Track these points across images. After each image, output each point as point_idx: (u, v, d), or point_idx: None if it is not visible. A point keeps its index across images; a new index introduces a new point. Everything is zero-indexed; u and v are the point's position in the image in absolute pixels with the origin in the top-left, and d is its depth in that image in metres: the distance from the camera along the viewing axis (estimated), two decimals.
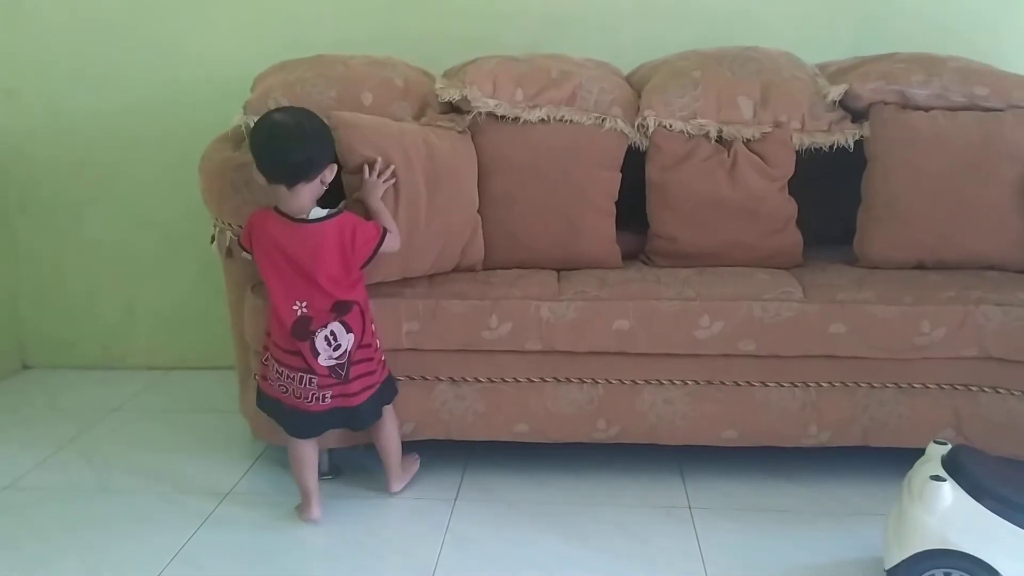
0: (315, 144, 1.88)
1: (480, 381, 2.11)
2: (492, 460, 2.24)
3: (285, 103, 2.15)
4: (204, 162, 2.17)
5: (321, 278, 1.88)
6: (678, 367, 2.09)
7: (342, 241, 1.89)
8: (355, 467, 2.23)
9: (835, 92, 2.27)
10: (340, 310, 1.91)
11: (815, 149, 2.26)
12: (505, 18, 2.71)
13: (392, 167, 2.00)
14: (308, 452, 2.01)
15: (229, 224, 2.09)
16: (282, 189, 1.87)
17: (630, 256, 2.30)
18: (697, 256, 2.23)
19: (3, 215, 2.93)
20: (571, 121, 2.22)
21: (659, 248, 2.27)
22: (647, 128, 2.24)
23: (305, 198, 1.88)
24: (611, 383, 2.10)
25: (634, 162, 2.27)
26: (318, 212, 1.90)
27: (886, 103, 2.25)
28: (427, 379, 2.12)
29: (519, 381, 2.10)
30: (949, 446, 1.74)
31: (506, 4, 2.72)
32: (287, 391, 1.95)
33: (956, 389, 2.07)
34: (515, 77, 2.25)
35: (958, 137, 2.19)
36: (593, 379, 2.10)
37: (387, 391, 2.04)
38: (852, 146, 2.26)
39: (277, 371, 1.95)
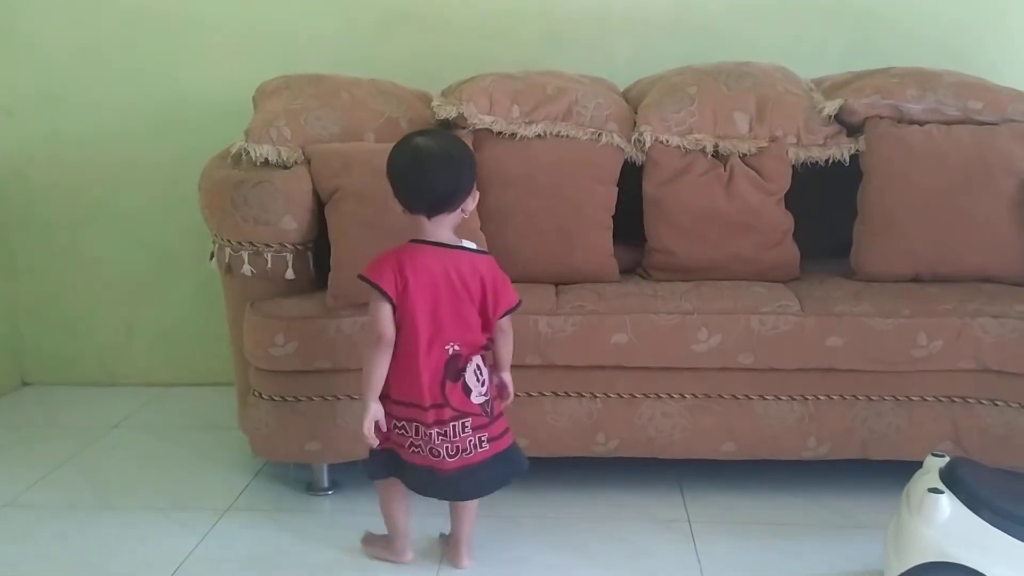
0: (461, 171, 1.75)
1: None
2: None
3: (288, 133, 2.17)
4: (203, 180, 2.19)
5: (476, 311, 1.76)
6: (676, 381, 2.09)
7: (493, 279, 1.78)
8: (355, 483, 2.23)
9: (831, 107, 2.28)
10: (479, 349, 1.81)
11: (811, 163, 2.28)
12: (500, 36, 2.73)
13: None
14: (405, 493, 1.87)
15: (229, 241, 2.10)
16: (423, 220, 1.74)
17: (627, 270, 2.31)
18: (694, 270, 2.23)
19: (3, 234, 2.94)
20: (567, 136, 2.24)
21: (656, 262, 2.28)
22: (644, 143, 2.26)
23: (447, 228, 1.76)
24: (610, 397, 2.10)
25: (631, 177, 2.29)
26: (470, 244, 1.80)
27: (881, 117, 2.27)
28: None
29: (518, 395, 2.09)
30: (947, 458, 1.74)
31: (500, 22, 2.73)
32: (458, 454, 1.77)
33: (954, 401, 2.07)
34: (511, 94, 2.27)
35: (953, 151, 2.20)
36: (592, 393, 2.10)
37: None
38: (848, 160, 2.27)
39: (412, 431, 1.77)
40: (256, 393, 2.14)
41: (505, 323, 1.83)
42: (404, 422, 1.78)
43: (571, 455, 2.15)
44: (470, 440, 1.77)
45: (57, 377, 3.01)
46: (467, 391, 1.77)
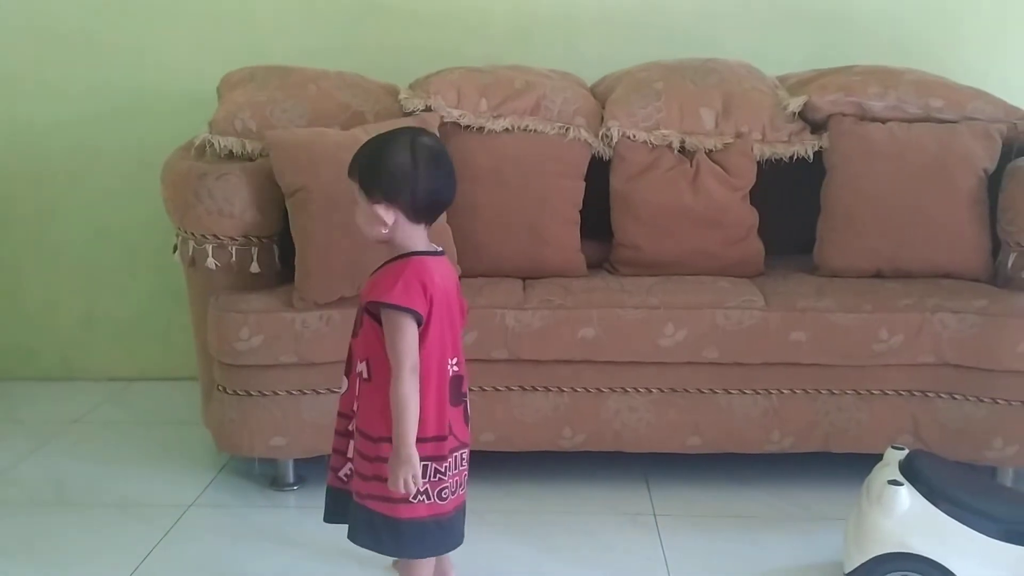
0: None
1: None
2: None
3: (253, 125, 2.14)
4: (166, 171, 2.16)
5: (460, 321, 1.60)
6: (642, 375, 2.10)
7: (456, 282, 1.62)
8: (320, 478, 2.20)
9: (795, 104, 2.31)
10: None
11: (776, 159, 2.30)
12: (468, 31, 2.72)
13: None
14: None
15: (192, 234, 2.07)
16: (418, 228, 1.54)
17: (595, 265, 2.31)
18: (661, 265, 2.25)
19: None
20: (535, 131, 2.24)
21: (623, 257, 2.29)
22: (611, 138, 2.27)
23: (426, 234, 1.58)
24: (576, 391, 2.11)
25: (598, 172, 2.30)
26: (432, 245, 1.60)
27: (844, 115, 2.29)
28: None
29: (485, 390, 2.10)
30: (906, 451, 1.77)
31: (469, 17, 2.72)
32: (455, 490, 1.58)
33: (914, 395, 2.11)
34: (479, 87, 2.27)
35: (914, 148, 2.23)
36: (559, 387, 2.11)
37: None
38: (812, 157, 2.30)
39: (436, 472, 1.54)
40: (220, 388, 2.11)
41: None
42: (431, 462, 1.54)
43: (537, 449, 2.15)
44: (464, 475, 1.61)
45: (16, 371, 2.95)
46: (467, 419, 1.61)
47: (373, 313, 1.53)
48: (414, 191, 1.51)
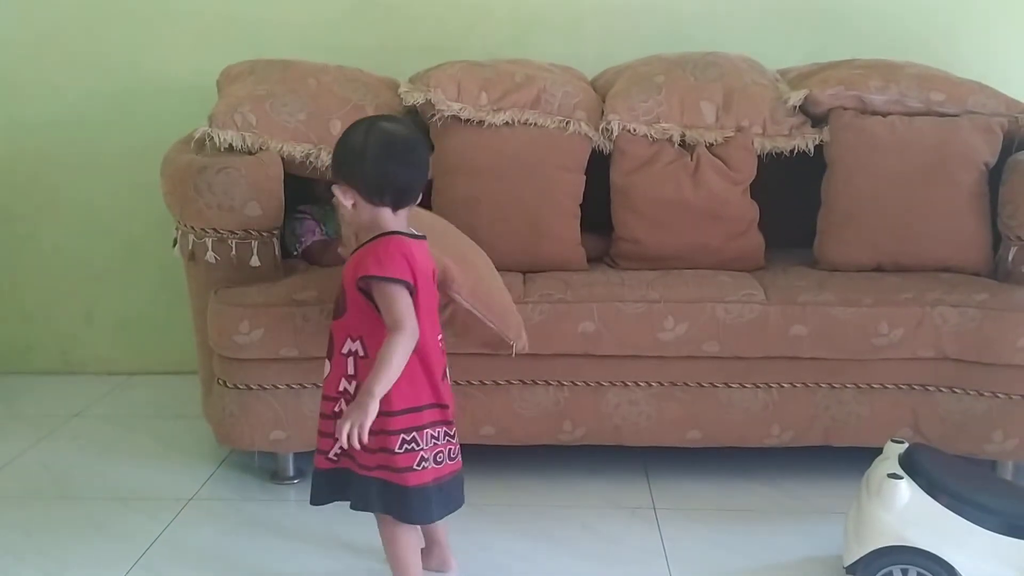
0: (429, 159, 1.65)
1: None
2: None
3: (253, 119, 2.14)
4: (166, 165, 2.15)
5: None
6: (642, 369, 2.10)
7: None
8: None
9: (796, 97, 2.30)
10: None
11: (776, 153, 2.30)
12: (468, 26, 2.72)
13: None
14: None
15: (192, 228, 2.07)
16: (386, 211, 1.57)
17: (595, 259, 2.31)
18: (661, 259, 2.25)
19: None
20: (535, 124, 2.24)
21: (623, 251, 2.29)
22: (611, 132, 2.27)
23: (405, 219, 1.61)
24: (576, 385, 2.11)
25: (599, 165, 2.29)
26: (412, 230, 1.64)
27: (845, 108, 2.29)
28: None
29: (485, 384, 2.10)
30: (906, 445, 1.77)
31: (468, 12, 2.72)
32: (442, 460, 1.62)
33: (914, 389, 2.11)
34: (479, 81, 2.26)
35: (915, 142, 2.23)
36: (559, 381, 2.11)
37: None
38: (812, 150, 2.29)
39: (432, 438, 1.60)
40: (220, 381, 2.11)
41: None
42: (416, 432, 1.58)
43: (538, 443, 2.16)
44: (453, 448, 1.66)
45: (15, 366, 2.95)
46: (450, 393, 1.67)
47: (364, 290, 1.56)
48: (364, 173, 1.55)
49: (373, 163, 1.55)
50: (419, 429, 1.58)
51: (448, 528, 1.79)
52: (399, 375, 1.52)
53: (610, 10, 2.72)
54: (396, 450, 1.57)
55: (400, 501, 1.59)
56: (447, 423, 1.63)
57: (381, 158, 1.55)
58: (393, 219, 1.58)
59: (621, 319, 2.07)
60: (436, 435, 1.61)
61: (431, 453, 1.60)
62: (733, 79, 2.33)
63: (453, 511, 1.67)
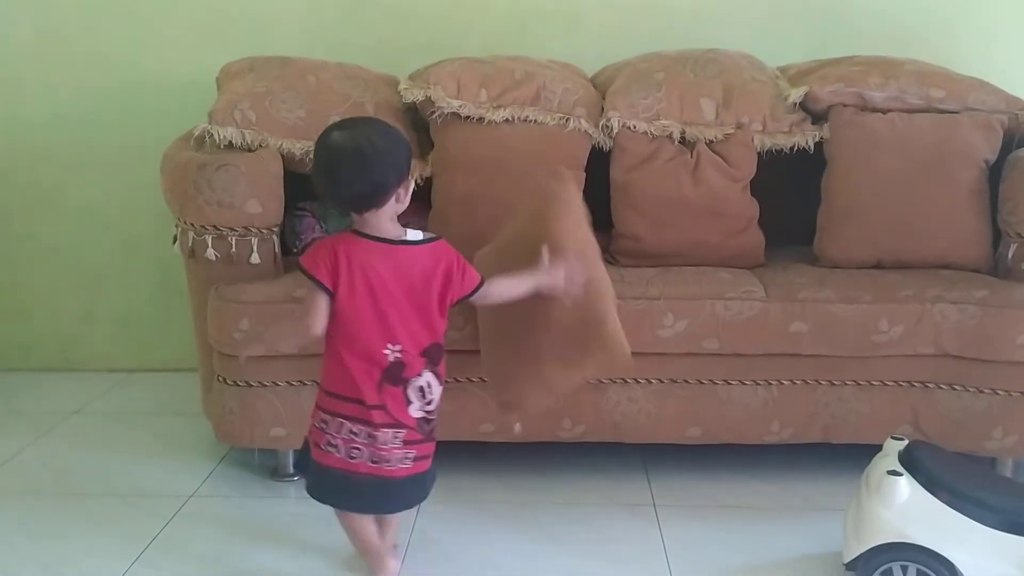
0: (378, 170, 1.60)
1: (446, 381, 2.10)
2: (458, 460, 2.23)
3: (252, 116, 2.13)
4: (165, 162, 2.15)
5: (427, 311, 1.65)
6: (642, 366, 2.08)
7: (447, 270, 1.66)
8: None
9: (795, 94, 2.30)
10: (432, 357, 1.68)
11: (776, 150, 2.29)
12: (468, 22, 2.71)
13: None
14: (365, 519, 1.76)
15: (192, 225, 2.07)
16: (354, 216, 1.65)
17: None
18: (661, 256, 2.24)
19: None
20: (535, 121, 2.24)
21: (623, 248, 2.29)
22: (611, 129, 2.26)
23: (384, 221, 1.64)
24: None
25: (598, 162, 2.29)
26: (415, 234, 1.67)
27: (845, 105, 2.29)
28: None
29: (485, 381, 2.10)
30: (906, 442, 1.77)
31: (468, 9, 2.71)
32: (357, 456, 1.67)
33: (913, 386, 2.11)
34: (479, 78, 2.26)
35: (915, 139, 2.23)
36: None
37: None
38: (812, 147, 2.29)
39: (350, 432, 1.65)
40: (220, 379, 2.11)
41: (479, 297, 1.71)
42: (331, 417, 1.67)
43: (538, 440, 2.15)
44: (396, 453, 1.66)
45: (14, 363, 2.95)
46: (407, 401, 1.67)
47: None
48: (319, 186, 1.66)
49: (318, 176, 1.65)
50: (335, 416, 1.66)
51: (395, 537, 1.83)
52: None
53: (610, 7, 2.72)
54: (313, 422, 1.70)
55: (309, 468, 1.73)
56: (373, 426, 1.64)
57: (324, 173, 1.64)
58: (359, 219, 1.64)
59: (621, 316, 2.05)
60: (355, 431, 1.66)
61: (344, 445, 1.66)
62: (733, 76, 2.33)
63: (362, 512, 1.73)
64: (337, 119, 2.18)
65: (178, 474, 2.23)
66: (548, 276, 1.72)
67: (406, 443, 1.67)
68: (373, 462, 1.66)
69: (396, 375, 1.65)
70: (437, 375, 1.71)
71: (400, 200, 1.65)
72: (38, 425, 2.52)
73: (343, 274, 1.60)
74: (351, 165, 1.59)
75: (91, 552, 1.89)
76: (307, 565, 1.86)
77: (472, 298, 1.71)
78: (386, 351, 1.63)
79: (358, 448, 1.66)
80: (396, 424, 1.66)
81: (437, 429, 1.74)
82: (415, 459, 1.69)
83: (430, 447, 1.73)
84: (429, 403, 1.70)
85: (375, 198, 1.61)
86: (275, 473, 2.20)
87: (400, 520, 1.84)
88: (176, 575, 1.82)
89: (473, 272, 1.71)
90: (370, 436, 1.65)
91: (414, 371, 1.66)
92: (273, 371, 2.07)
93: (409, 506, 1.79)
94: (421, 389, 1.67)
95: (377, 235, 1.63)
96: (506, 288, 1.73)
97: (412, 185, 1.67)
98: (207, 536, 1.96)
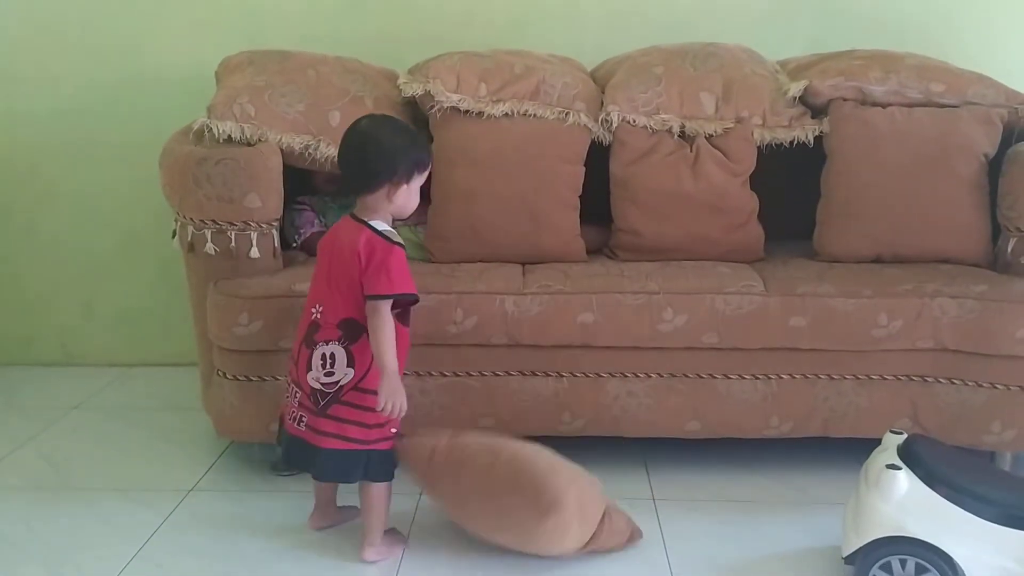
0: (372, 155, 1.74)
1: (445, 375, 2.11)
2: None
3: (251, 110, 2.13)
4: (164, 156, 2.15)
5: (350, 284, 1.74)
6: (642, 360, 2.11)
7: (362, 253, 1.73)
8: None
9: (795, 88, 2.30)
10: (349, 333, 1.76)
11: (776, 144, 2.29)
12: (467, 16, 2.71)
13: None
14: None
15: (191, 219, 2.07)
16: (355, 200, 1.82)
17: (594, 250, 2.31)
18: (660, 250, 2.25)
19: None
20: (535, 115, 2.24)
21: (623, 242, 2.29)
22: (611, 123, 2.26)
23: (368, 209, 1.78)
24: (576, 376, 2.11)
25: (598, 157, 2.29)
26: (381, 225, 1.76)
27: (845, 99, 2.29)
28: None
29: (484, 375, 2.10)
30: (905, 435, 1.77)
31: (467, 3, 2.70)
32: (292, 417, 1.84)
33: (912, 380, 2.11)
34: (479, 72, 2.26)
35: (915, 133, 2.23)
36: (558, 372, 2.11)
37: (373, 465, 1.81)
38: (812, 142, 2.29)
39: (285, 388, 1.88)
40: (220, 373, 2.12)
41: (370, 308, 1.73)
42: (287, 382, 1.88)
43: (537, 434, 2.15)
44: (293, 411, 1.83)
45: (14, 357, 2.95)
46: (308, 367, 1.78)
47: None
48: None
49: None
50: (288, 379, 1.87)
51: (375, 521, 1.85)
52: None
53: (609, 1, 2.71)
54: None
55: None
56: (294, 383, 1.83)
57: (340, 148, 1.85)
58: (357, 203, 1.82)
59: (620, 310, 2.07)
60: (289, 390, 1.86)
61: (289, 408, 1.85)
62: (733, 70, 2.33)
63: (291, 472, 2.04)
64: (337, 113, 2.20)
65: (178, 468, 2.23)
66: (386, 379, 1.71)
67: (301, 406, 1.81)
68: (292, 420, 1.83)
69: (311, 336, 1.79)
70: (350, 353, 1.75)
71: (391, 199, 1.76)
72: (38, 419, 2.53)
73: (322, 244, 1.83)
74: (353, 142, 1.78)
75: (91, 546, 1.90)
76: (307, 558, 1.86)
77: (367, 302, 1.74)
78: (313, 309, 1.80)
79: (293, 409, 1.83)
80: (296, 383, 1.83)
81: (347, 419, 1.76)
82: (308, 428, 1.79)
83: (325, 425, 1.78)
84: (329, 375, 1.76)
85: (361, 180, 1.77)
86: (275, 467, 2.21)
87: (379, 520, 1.84)
88: (176, 569, 1.83)
89: (387, 281, 1.72)
90: (295, 395, 1.83)
91: (323, 336, 1.77)
92: (273, 365, 2.07)
93: (328, 478, 1.89)
94: (324, 357, 1.76)
95: (355, 215, 1.80)
96: (385, 335, 1.72)
97: (409, 195, 1.78)
98: (207, 530, 1.96)
